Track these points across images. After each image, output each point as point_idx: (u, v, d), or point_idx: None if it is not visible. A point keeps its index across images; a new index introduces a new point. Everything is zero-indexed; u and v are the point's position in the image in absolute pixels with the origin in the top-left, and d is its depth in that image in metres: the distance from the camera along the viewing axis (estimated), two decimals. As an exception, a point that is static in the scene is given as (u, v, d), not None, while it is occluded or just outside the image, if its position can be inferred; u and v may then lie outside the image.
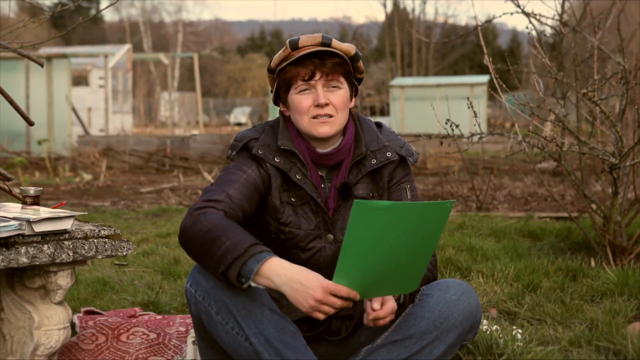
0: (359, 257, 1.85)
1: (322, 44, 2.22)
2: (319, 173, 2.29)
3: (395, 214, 1.80)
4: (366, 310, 2.06)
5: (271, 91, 2.34)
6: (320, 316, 1.91)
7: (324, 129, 2.22)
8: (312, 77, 2.21)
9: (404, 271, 1.94)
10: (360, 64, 2.30)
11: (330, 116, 2.22)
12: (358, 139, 2.31)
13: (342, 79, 2.24)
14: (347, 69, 2.26)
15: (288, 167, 2.25)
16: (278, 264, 1.94)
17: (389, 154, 2.29)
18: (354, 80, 2.32)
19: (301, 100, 2.22)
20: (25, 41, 3.02)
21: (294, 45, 2.22)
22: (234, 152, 2.29)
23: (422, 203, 1.89)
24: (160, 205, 7.70)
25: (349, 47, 2.26)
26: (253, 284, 1.95)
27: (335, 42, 2.24)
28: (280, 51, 2.26)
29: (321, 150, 2.28)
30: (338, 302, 1.89)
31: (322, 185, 2.29)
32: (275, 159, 2.25)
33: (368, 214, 1.78)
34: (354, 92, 2.32)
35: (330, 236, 2.27)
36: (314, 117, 2.22)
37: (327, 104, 2.21)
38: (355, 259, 1.85)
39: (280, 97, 2.31)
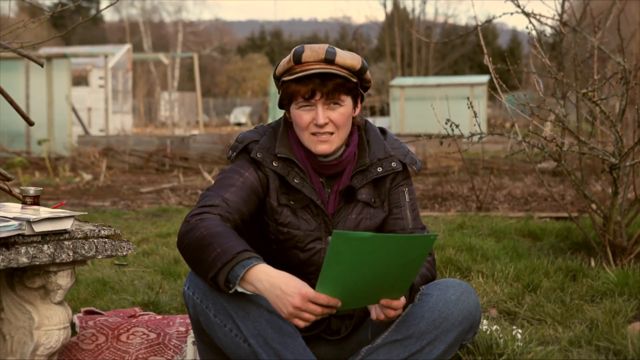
0: (340, 277, 1.85)
1: (326, 60, 2.17)
2: (320, 179, 2.29)
3: (376, 244, 1.80)
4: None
5: (278, 92, 2.33)
6: (301, 323, 1.90)
7: (323, 147, 2.22)
8: (312, 96, 2.18)
9: (388, 288, 1.95)
10: (367, 74, 2.26)
11: (331, 133, 2.21)
12: (362, 148, 2.31)
13: (343, 97, 2.20)
14: (350, 86, 2.21)
15: (286, 172, 2.25)
16: (263, 270, 1.94)
17: (394, 164, 2.30)
18: (360, 90, 2.28)
19: (302, 115, 2.21)
20: (25, 41, 3.02)
21: (297, 59, 2.19)
22: (234, 153, 2.30)
23: (403, 236, 1.89)
24: (160, 205, 7.70)
25: (354, 62, 2.21)
26: (239, 289, 1.96)
27: (340, 57, 2.19)
28: (285, 60, 2.23)
29: (322, 159, 2.27)
30: (318, 310, 1.88)
31: (323, 191, 2.29)
32: (274, 163, 2.25)
33: (347, 244, 1.78)
34: (359, 99, 2.29)
35: (331, 238, 2.27)
36: (314, 134, 2.21)
37: (326, 123, 2.20)
38: (335, 278, 1.85)
39: (284, 105, 2.29)
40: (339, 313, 2.27)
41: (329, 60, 2.18)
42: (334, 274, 1.84)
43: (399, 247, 1.84)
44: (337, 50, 2.21)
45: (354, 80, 2.22)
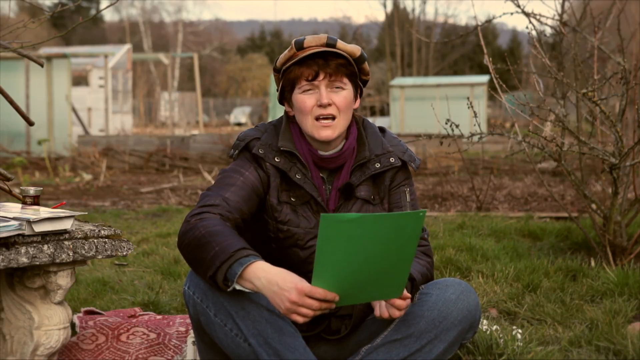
0: (334, 266, 1.85)
1: (327, 45, 2.23)
2: (320, 175, 2.30)
3: (365, 225, 1.80)
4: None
5: (277, 90, 2.35)
6: (299, 319, 1.89)
7: (326, 133, 2.23)
8: (315, 77, 2.22)
9: (384, 278, 1.94)
10: (366, 65, 2.31)
11: (333, 117, 2.23)
12: (361, 143, 2.32)
13: (345, 80, 2.25)
14: (352, 70, 2.26)
15: (288, 167, 2.26)
16: (260, 267, 1.95)
17: (392, 160, 2.31)
18: (359, 82, 2.32)
19: (304, 99, 2.23)
20: (25, 41, 3.02)
21: (299, 46, 2.23)
22: (236, 151, 2.31)
23: (392, 214, 1.88)
24: (160, 205, 7.70)
25: (354, 49, 2.26)
26: (238, 287, 1.96)
27: (341, 43, 2.24)
28: (286, 51, 2.27)
29: (323, 152, 2.29)
30: (315, 304, 1.88)
31: (323, 187, 2.30)
32: (276, 159, 2.26)
33: (336, 227, 1.78)
34: (358, 93, 2.32)
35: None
36: (317, 119, 2.23)
37: (329, 104, 2.22)
38: (329, 268, 1.85)
39: (285, 97, 2.32)
40: (338, 312, 2.27)
41: (331, 45, 2.23)
42: (328, 264, 1.84)
43: (389, 226, 1.83)
44: (338, 39, 2.26)
45: (354, 67, 2.26)
